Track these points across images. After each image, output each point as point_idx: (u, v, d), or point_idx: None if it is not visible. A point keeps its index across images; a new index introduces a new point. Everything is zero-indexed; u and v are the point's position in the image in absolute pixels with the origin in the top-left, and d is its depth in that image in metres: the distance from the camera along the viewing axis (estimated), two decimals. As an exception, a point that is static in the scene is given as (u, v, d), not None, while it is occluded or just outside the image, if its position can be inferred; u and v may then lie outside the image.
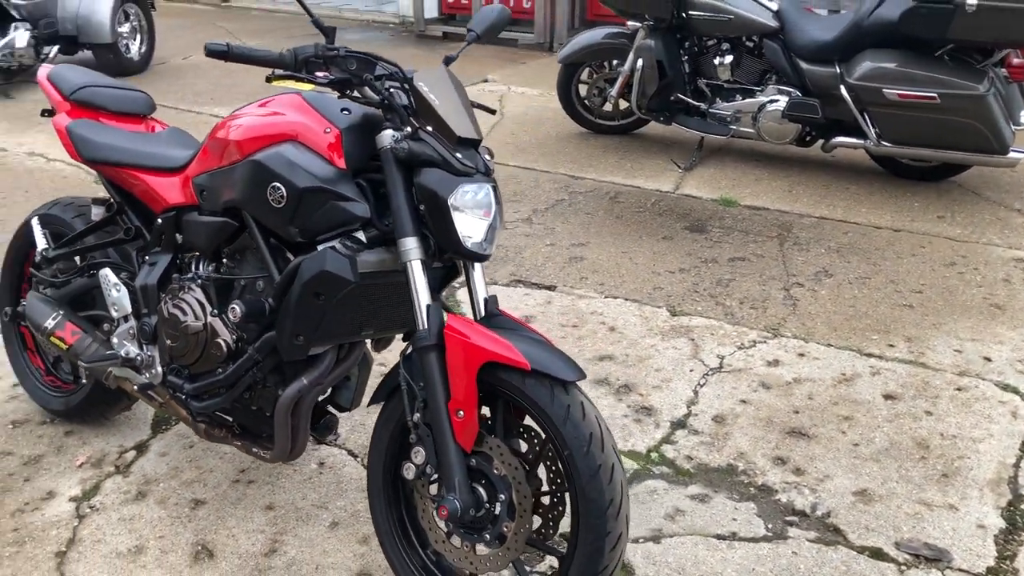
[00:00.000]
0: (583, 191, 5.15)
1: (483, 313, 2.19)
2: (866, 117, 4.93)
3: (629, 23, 5.50)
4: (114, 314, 2.58)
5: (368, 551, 2.42)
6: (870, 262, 4.21)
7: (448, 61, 2.39)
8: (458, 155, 2.06)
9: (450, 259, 2.23)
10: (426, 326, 2.04)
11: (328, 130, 2.15)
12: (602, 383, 3.23)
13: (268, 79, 2.09)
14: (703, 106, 5.37)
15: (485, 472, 2.06)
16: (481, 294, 2.21)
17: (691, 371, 3.32)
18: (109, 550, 2.44)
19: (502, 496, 2.05)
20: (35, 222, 2.82)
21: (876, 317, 3.70)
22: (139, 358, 2.51)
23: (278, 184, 2.12)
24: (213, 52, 1.99)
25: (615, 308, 3.79)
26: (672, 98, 5.42)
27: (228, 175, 2.27)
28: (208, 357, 2.35)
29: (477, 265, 2.22)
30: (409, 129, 2.08)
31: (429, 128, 2.08)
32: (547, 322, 3.65)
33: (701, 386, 3.22)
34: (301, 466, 2.78)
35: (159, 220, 2.52)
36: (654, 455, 2.86)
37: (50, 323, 2.65)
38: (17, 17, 7.15)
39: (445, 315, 2.06)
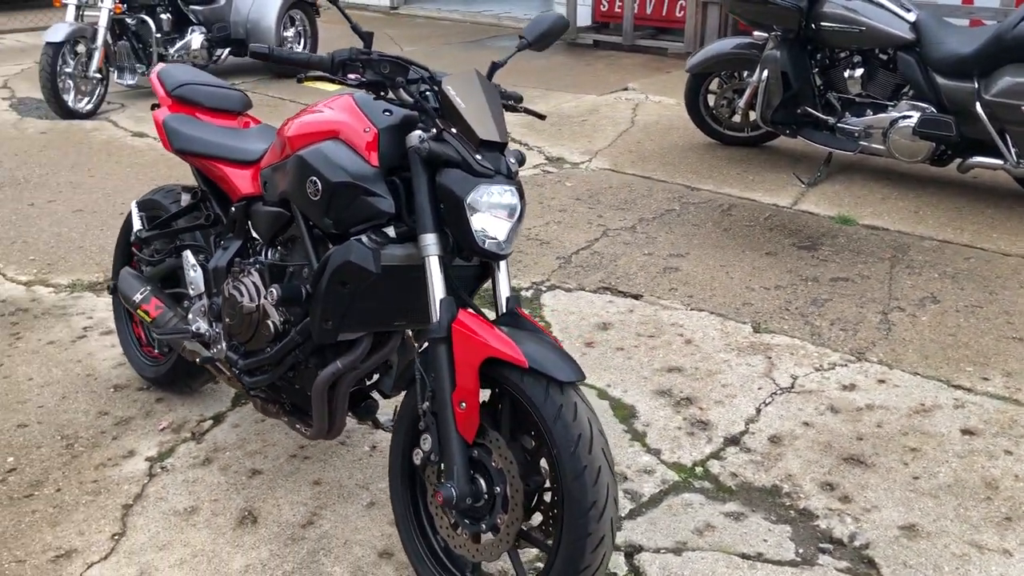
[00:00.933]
0: (696, 202, 5.10)
1: (503, 311, 2.25)
2: (1005, 136, 4.63)
3: (755, 33, 5.39)
4: (191, 292, 2.82)
5: (395, 532, 2.53)
6: (986, 291, 3.95)
7: (495, 67, 2.47)
8: (478, 157, 2.14)
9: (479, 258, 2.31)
10: (438, 319, 2.13)
11: (367, 129, 2.28)
12: (664, 394, 3.21)
13: (299, 79, 2.25)
14: (831, 120, 5.19)
15: (484, 464, 2.13)
16: (504, 293, 2.27)
17: (759, 389, 3.24)
18: (168, 508, 2.67)
19: (497, 488, 2.11)
20: (134, 206, 3.12)
21: (977, 348, 3.48)
22: (207, 334, 2.74)
23: (315, 178, 2.27)
24: (256, 54, 2.16)
25: (697, 321, 3.74)
26: (799, 111, 5.27)
27: (282, 168, 2.45)
28: (259, 336, 2.54)
29: (501, 265, 2.29)
30: (435, 130, 2.17)
31: (454, 130, 2.17)
32: (624, 331, 3.66)
33: (766, 405, 3.15)
34: (354, 447, 2.93)
35: (233, 208, 2.73)
36: (698, 469, 2.83)
37: (138, 297, 2.93)
38: (195, 21, 7.78)
39: (457, 310, 2.14)
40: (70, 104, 6.89)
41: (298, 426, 2.59)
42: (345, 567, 2.43)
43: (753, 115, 5.67)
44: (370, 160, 2.25)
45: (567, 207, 5.03)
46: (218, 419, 3.11)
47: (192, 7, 7.79)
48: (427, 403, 2.16)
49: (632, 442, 2.95)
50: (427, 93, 2.25)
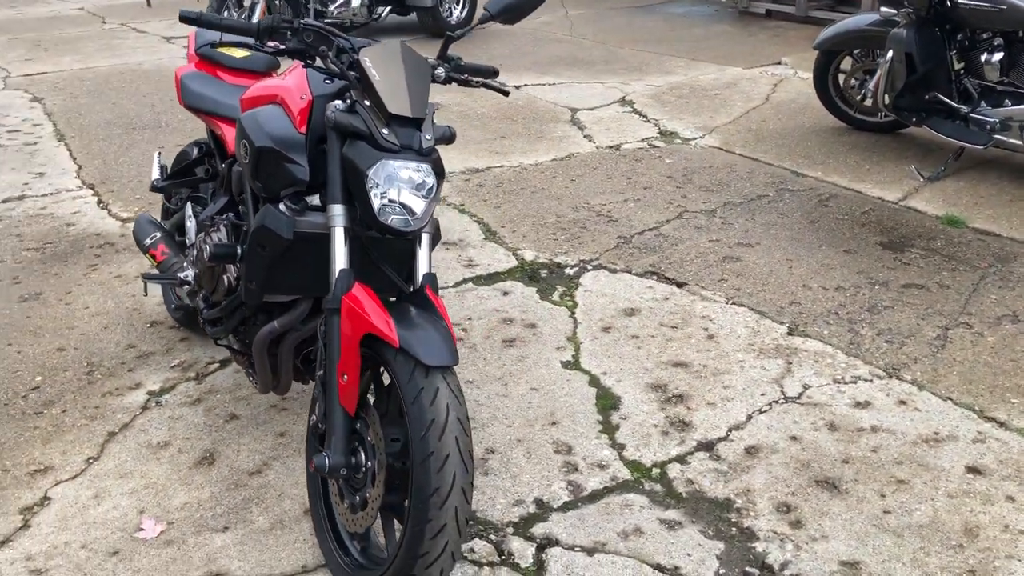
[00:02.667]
0: (795, 189, 4.78)
1: (416, 288, 2.24)
2: None
3: (882, 9, 4.93)
4: (187, 242, 3.00)
5: (327, 492, 2.60)
6: (1083, 314, 3.48)
7: (448, 40, 2.43)
8: (384, 131, 2.13)
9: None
10: (333, 290, 2.15)
11: (303, 96, 2.32)
12: (657, 389, 3.08)
13: (212, 45, 2.31)
14: (964, 109, 4.69)
15: (363, 437, 2.15)
16: (421, 269, 2.26)
17: (761, 395, 3.04)
18: (144, 440, 2.87)
19: (369, 463, 2.13)
20: (155, 155, 3.32)
21: (1037, 378, 3.09)
22: (191, 282, 2.90)
23: (245, 141, 2.34)
24: (186, 18, 2.24)
25: (731, 316, 3.54)
26: (928, 97, 4.79)
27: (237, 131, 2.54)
28: (218, 290, 2.66)
29: (423, 240, 2.27)
30: (348, 101, 2.18)
31: (367, 102, 2.16)
32: (648, 319, 3.52)
33: (760, 412, 2.95)
34: (330, 405, 3.02)
35: (222, 165, 2.87)
36: (656, 471, 2.70)
37: (148, 241, 3.14)
38: (356, -21, 8.08)
39: (353, 283, 2.14)
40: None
41: (252, 378, 2.71)
42: (268, 517, 2.53)
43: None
44: (299, 127, 2.29)
45: (653, 185, 4.86)
46: (224, 363, 3.29)
47: (351, -36, 8.09)
48: (321, 371, 2.20)
49: (600, 434, 2.86)
50: (352, 63, 2.25)
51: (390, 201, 2.13)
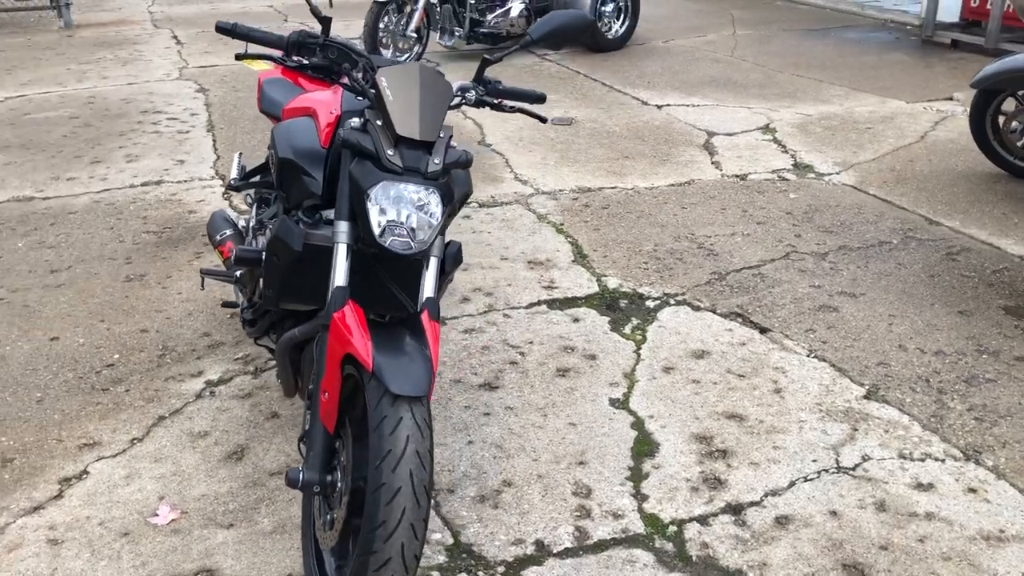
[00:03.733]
0: (923, 238, 4.40)
1: (417, 310, 2.21)
2: None
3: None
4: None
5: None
6: None
7: (485, 63, 2.39)
8: (390, 152, 2.11)
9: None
10: (326, 307, 2.15)
11: (333, 111, 2.34)
12: (702, 440, 2.91)
13: (237, 56, 2.34)
14: None
15: (339, 456, 2.14)
16: (425, 293, 2.23)
17: (813, 461, 2.81)
18: (187, 428, 2.99)
19: (339, 484, 2.11)
20: (236, 156, 3.45)
21: None
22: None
23: (273, 151, 2.38)
24: (221, 28, 2.30)
25: (807, 370, 3.29)
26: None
27: None
28: (255, 291, 2.73)
29: (430, 263, 2.24)
30: (362, 120, 2.17)
31: (379, 122, 2.15)
32: (717, 364, 3.33)
33: (805, 480, 2.72)
34: (367, 415, 3.04)
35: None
36: (671, 528, 2.55)
37: (218, 237, 3.26)
38: (519, -10, 8.14)
39: (346, 302, 2.14)
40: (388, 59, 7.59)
41: (279, 381, 2.76)
42: (272, 521, 2.57)
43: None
44: (323, 142, 2.31)
45: (769, 220, 4.61)
46: (284, 361, 3.37)
47: (518, -24, 8.15)
48: (311, 386, 2.21)
49: (626, 481, 2.73)
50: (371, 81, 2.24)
51: (389, 222, 2.11)
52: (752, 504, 2.63)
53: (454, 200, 2.26)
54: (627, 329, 3.59)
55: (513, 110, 2.51)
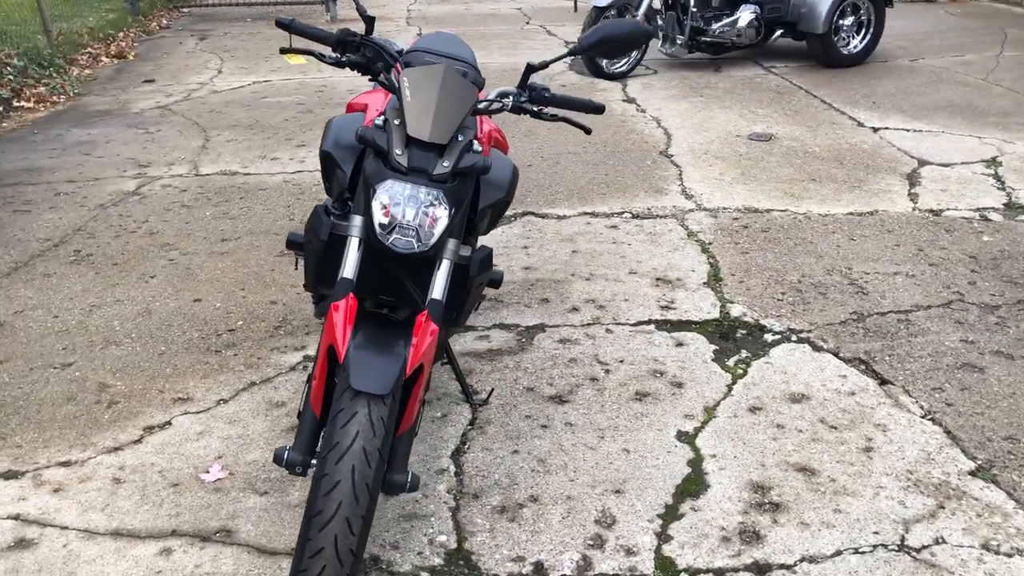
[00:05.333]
0: None
1: (421, 309, 2.24)
2: None
3: None
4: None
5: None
6: None
7: (530, 69, 2.35)
8: (398, 151, 2.14)
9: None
10: (332, 296, 2.22)
11: (379, 108, 2.41)
12: (758, 489, 2.68)
13: (281, 51, 2.43)
14: None
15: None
16: (432, 293, 2.24)
17: (874, 532, 2.51)
18: (269, 397, 3.19)
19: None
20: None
21: None
22: None
23: (320, 143, 2.48)
24: (280, 23, 2.42)
25: (913, 433, 2.94)
26: None
27: None
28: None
29: (442, 265, 2.25)
30: (384, 118, 2.22)
31: (397, 121, 2.19)
32: (812, 411, 3.06)
33: (856, 552, 2.44)
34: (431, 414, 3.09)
35: None
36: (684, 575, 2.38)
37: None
38: (750, 0, 7.84)
39: (348, 294, 2.20)
40: (603, 64, 7.60)
41: None
42: (301, 496, 2.69)
43: None
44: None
45: (945, 263, 4.14)
46: (380, 347, 3.50)
47: (752, -16, 7.84)
48: (311, 370, 2.28)
49: (656, 518, 2.58)
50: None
51: (391, 220, 2.14)
52: (782, 567, 2.39)
53: (463, 205, 2.24)
54: (730, 361, 3.38)
55: (555, 119, 2.44)
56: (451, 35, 3.42)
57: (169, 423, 3.05)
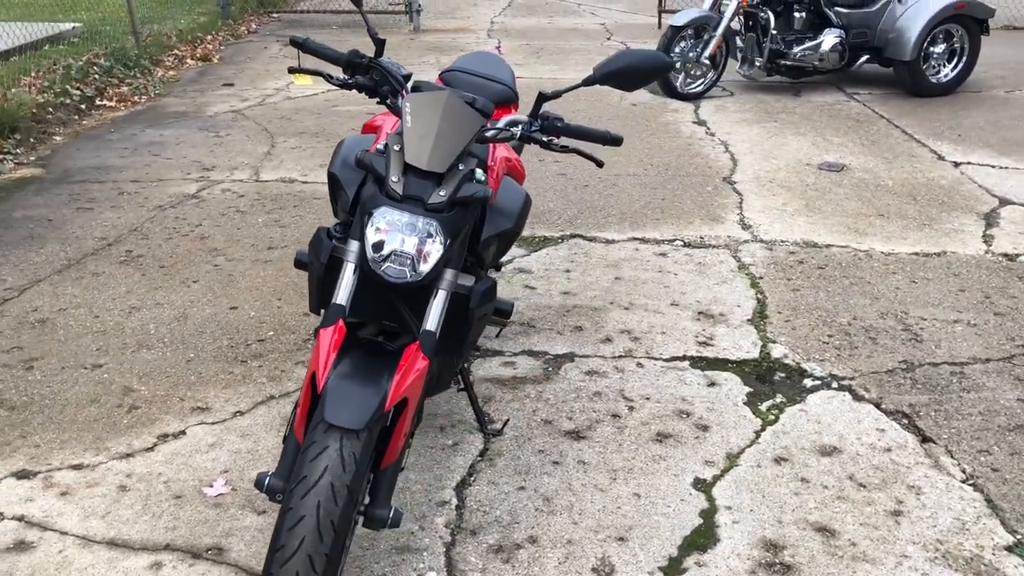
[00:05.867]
0: None
1: (405, 342, 2.18)
2: None
3: None
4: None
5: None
6: None
7: (542, 99, 2.27)
8: (394, 178, 2.09)
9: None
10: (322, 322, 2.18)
11: (389, 132, 2.36)
12: (770, 547, 2.53)
13: (290, 70, 2.39)
14: None
15: (305, 468, 2.15)
16: (425, 324, 2.18)
17: (889, 607, 2.34)
18: (286, 412, 3.17)
19: None
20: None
21: None
22: None
23: (330, 162, 2.44)
24: (295, 42, 2.39)
25: (949, 499, 2.74)
26: None
27: None
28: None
29: (438, 295, 2.19)
30: (385, 143, 2.17)
31: (397, 147, 2.13)
32: (842, 466, 2.89)
33: (865, 628, 2.27)
34: (443, 442, 3.03)
35: None
36: (675, 637, 2.26)
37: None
38: (834, 23, 7.58)
39: (337, 320, 2.15)
40: (676, 85, 7.46)
41: None
42: (299, 518, 2.65)
43: None
44: (366, 159, 2.33)
45: (1013, 312, 3.89)
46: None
47: (837, 8, 7.58)
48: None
49: (657, 571, 2.46)
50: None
51: (382, 248, 2.09)
52: (783, 637, 2.24)
53: (461, 235, 2.17)
54: (763, 406, 3.22)
55: (565, 150, 2.35)
56: (493, 55, 3.36)
57: (184, 432, 3.05)
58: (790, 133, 6.52)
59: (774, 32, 7.42)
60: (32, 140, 6.11)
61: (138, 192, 5.28)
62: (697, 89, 7.52)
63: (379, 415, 1.98)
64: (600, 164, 2.45)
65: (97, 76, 7.30)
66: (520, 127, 2.32)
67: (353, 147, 2.41)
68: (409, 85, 2.38)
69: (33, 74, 6.93)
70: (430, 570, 2.45)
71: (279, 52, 9.31)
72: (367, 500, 2.16)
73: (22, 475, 2.83)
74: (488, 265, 2.48)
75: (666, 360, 3.50)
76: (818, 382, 3.37)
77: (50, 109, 6.54)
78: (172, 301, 3.95)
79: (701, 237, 4.67)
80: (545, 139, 2.33)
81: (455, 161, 2.11)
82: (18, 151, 5.91)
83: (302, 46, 2.44)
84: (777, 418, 3.14)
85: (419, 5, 10.54)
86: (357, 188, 2.31)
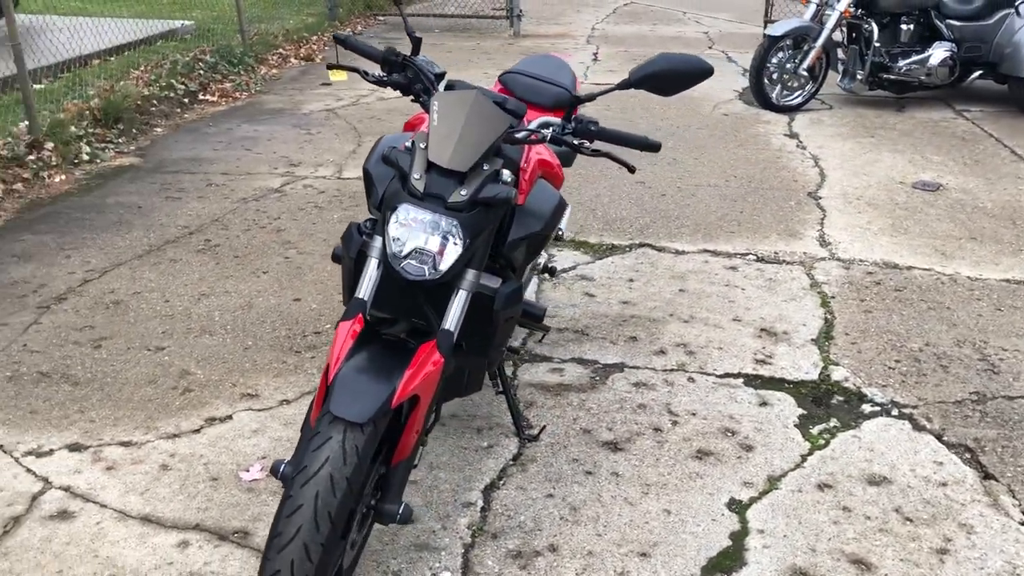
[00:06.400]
0: None
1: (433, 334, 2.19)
2: None
3: None
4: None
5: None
6: None
7: (576, 101, 2.24)
8: (416, 176, 2.09)
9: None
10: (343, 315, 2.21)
11: (424, 130, 2.37)
12: (799, 575, 2.43)
13: (328, 66, 2.41)
14: None
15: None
16: (445, 323, 2.18)
17: (918, 650, 2.21)
18: (330, 403, 3.21)
19: None
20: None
21: None
22: None
23: (366, 158, 2.46)
24: (336, 39, 2.42)
25: (1003, 541, 2.57)
26: None
27: None
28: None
29: (458, 296, 2.19)
30: (412, 141, 2.18)
31: (423, 145, 2.14)
32: (890, 497, 2.75)
33: (889, 669, 2.15)
34: (478, 444, 3.02)
35: None
36: (684, 660, 2.18)
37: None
38: (945, 37, 7.25)
39: (356, 314, 2.17)
40: (772, 96, 7.27)
41: None
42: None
43: None
44: (396, 157, 2.35)
45: (1103, 348, 3.63)
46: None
47: (949, 21, 7.26)
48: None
49: (676, 591, 2.39)
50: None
51: (401, 245, 2.09)
52: (798, 671, 2.14)
53: (483, 235, 2.15)
54: (815, 429, 3.09)
55: (596, 154, 2.30)
56: (556, 58, 3.34)
57: (230, 417, 3.13)
58: (886, 150, 6.26)
59: (877, 44, 7.14)
60: (134, 131, 6.40)
61: (226, 184, 5.46)
62: (794, 101, 7.32)
63: (385, 410, 1.98)
64: (632, 170, 2.40)
65: (202, 72, 7.59)
66: (552, 129, 2.29)
67: (381, 144, 2.43)
68: (443, 84, 2.38)
69: (142, 68, 7.26)
70: (445, 570, 2.44)
71: (379, 53, 9.49)
72: (378, 495, 2.17)
73: (74, 448, 2.95)
74: (519, 267, 2.45)
75: (719, 376, 3.41)
76: (877, 408, 3.22)
77: (154, 102, 6.83)
78: (240, 290, 4.07)
79: (775, 252, 4.53)
80: (576, 142, 2.29)
81: (479, 161, 2.10)
82: (120, 141, 6.20)
83: (343, 43, 2.47)
84: (827, 443, 3.01)
85: (520, 10, 10.58)
86: (387, 185, 2.32)
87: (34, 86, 6.40)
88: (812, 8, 7.32)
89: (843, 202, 5.25)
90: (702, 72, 2.18)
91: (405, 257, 2.10)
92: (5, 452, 2.92)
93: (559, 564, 2.47)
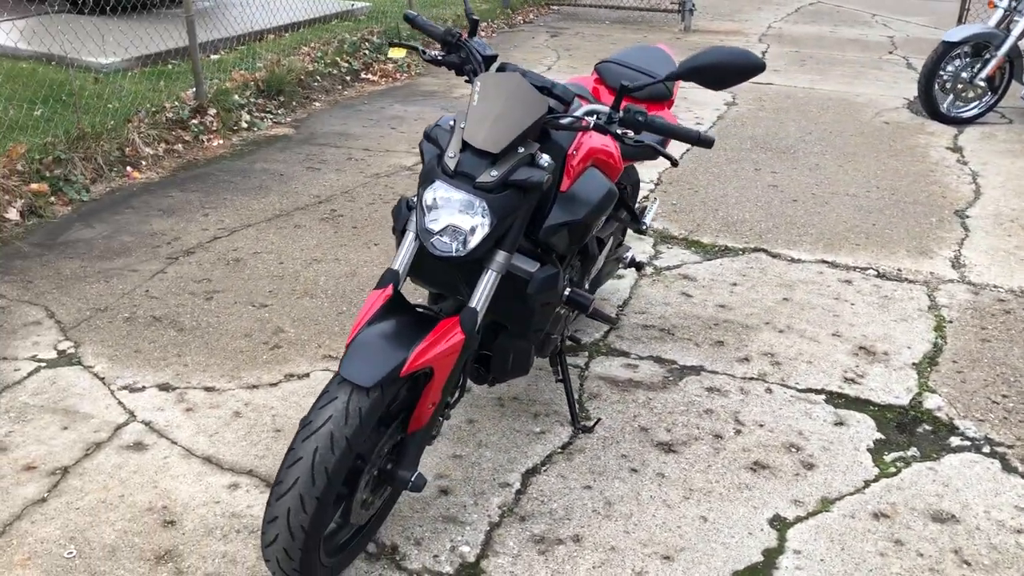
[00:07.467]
0: None
1: (450, 312, 2.24)
2: None
3: None
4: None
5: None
6: None
7: (623, 91, 2.22)
8: (450, 154, 2.14)
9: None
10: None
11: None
12: (825, 604, 2.31)
13: (390, 44, 2.45)
14: None
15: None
16: (472, 302, 2.23)
17: None
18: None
19: None
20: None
21: None
22: None
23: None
24: (406, 18, 2.49)
25: (1070, 599, 2.35)
26: None
27: None
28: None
29: (488, 275, 2.23)
30: (453, 120, 2.22)
31: (462, 124, 2.18)
32: (952, 538, 2.55)
33: None
34: (525, 427, 3.05)
35: None
36: (678, 668, 2.14)
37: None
38: None
39: (388, 285, 2.24)
40: (942, 106, 6.82)
41: None
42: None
43: None
44: (452, 136, 2.40)
45: None
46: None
47: None
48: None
49: (690, 598, 2.33)
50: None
51: (434, 221, 2.14)
52: None
53: (513, 217, 2.16)
54: (888, 456, 2.92)
55: (639, 144, 2.25)
56: (658, 49, 3.29)
57: (308, 375, 3.29)
58: (1060, 171, 5.74)
59: (1064, 56, 6.55)
60: (294, 104, 6.78)
61: (364, 159, 5.69)
62: (967, 113, 6.83)
63: (393, 377, 2.04)
64: (675, 163, 2.34)
65: (367, 52, 7.92)
66: (595, 117, 2.27)
67: (447, 121, 2.48)
68: (494, 67, 2.40)
69: (312, 44, 7.66)
70: (465, 544, 2.49)
71: (543, 43, 9.57)
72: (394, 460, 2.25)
73: (164, 387, 3.20)
74: (562, 253, 2.45)
75: (799, 390, 3.26)
76: (967, 443, 2.99)
77: (317, 77, 7.20)
78: (349, 258, 4.25)
79: (899, 270, 4.27)
80: (619, 132, 2.26)
81: (513, 143, 2.12)
82: (279, 112, 6.58)
83: (412, 22, 2.54)
84: (899, 472, 2.84)
85: (692, 5, 10.38)
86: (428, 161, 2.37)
87: (211, 56, 6.91)
88: (999, 13, 6.80)
89: (993, 223, 4.86)
90: (753, 67, 2.09)
91: (438, 233, 2.15)
92: (104, 384, 3.20)
93: (578, 555, 2.46)
